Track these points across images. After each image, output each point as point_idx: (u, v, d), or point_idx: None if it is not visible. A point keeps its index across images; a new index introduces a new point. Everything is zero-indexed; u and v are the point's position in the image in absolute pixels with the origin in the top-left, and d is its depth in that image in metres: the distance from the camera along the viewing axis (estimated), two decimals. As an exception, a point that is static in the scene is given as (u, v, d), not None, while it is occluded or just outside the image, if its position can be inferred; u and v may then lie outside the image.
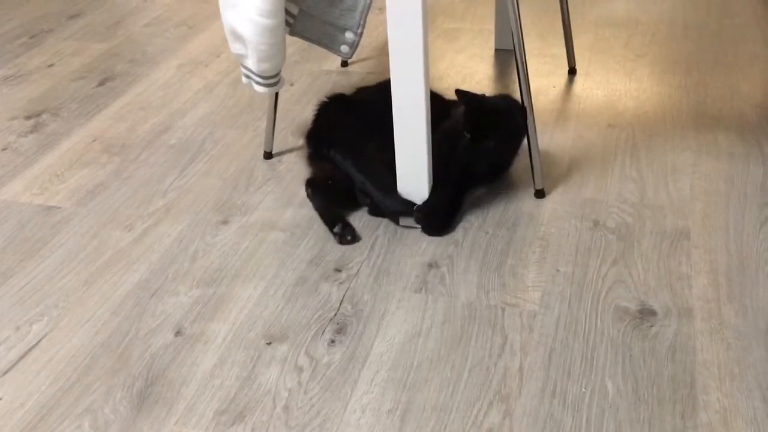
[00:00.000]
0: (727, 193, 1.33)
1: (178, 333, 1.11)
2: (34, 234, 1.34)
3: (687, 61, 1.78)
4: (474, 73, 1.78)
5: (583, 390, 0.98)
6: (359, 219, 1.32)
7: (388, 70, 1.18)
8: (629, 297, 1.12)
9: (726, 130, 1.51)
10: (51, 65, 1.97)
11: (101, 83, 1.86)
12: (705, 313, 1.09)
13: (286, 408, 0.98)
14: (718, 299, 1.11)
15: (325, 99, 1.44)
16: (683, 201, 1.31)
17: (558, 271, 1.18)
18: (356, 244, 1.26)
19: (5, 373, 1.06)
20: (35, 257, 1.28)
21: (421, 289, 1.16)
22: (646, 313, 1.09)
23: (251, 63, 1.33)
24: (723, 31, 1.90)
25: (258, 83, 1.37)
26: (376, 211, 1.32)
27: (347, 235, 1.25)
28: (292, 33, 1.37)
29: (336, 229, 1.26)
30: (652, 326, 1.07)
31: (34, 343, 1.11)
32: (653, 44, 1.87)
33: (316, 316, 1.13)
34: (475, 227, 1.29)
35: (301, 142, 1.54)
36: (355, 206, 1.34)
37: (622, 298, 1.12)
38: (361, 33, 1.33)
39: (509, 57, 1.85)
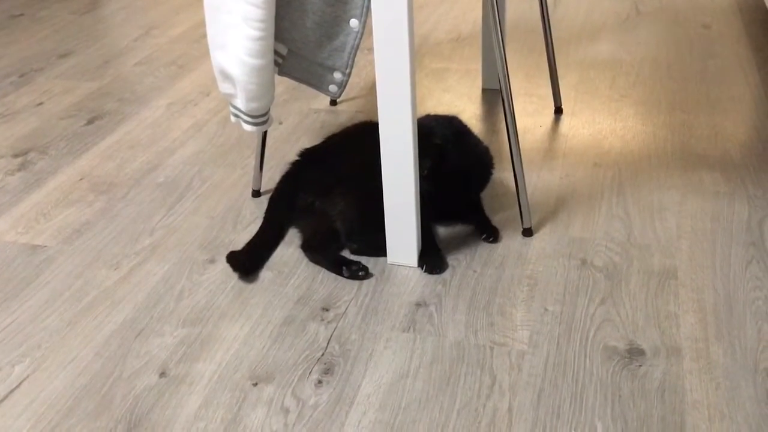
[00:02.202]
0: (713, 231, 1.34)
1: (162, 374, 1.09)
2: (18, 273, 1.33)
3: (671, 101, 1.80)
4: (461, 112, 1.79)
5: (573, 431, 0.97)
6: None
7: (376, 109, 1.19)
8: (618, 336, 1.12)
9: (711, 169, 1.52)
10: (40, 104, 1.97)
11: (90, 122, 1.87)
12: (693, 352, 1.08)
13: (271, 451, 0.97)
14: (707, 338, 1.11)
15: (297, 157, 1.44)
16: (670, 240, 1.32)
17: (546, 310, 1.18)
18: (344, 283, 1.25)
19: (-15, 416, 1.04)
20: (19, 297, 1.27)
21: (409, 328, 1.16)
22: (634, 353, 1.09)
23: (240, 102, 1.34)
24: (706, 72, 1.94)
25: (246, 122, 1.37)
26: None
27: (359, 272, 1.25)
28: (281, 73, 1.38)
29: (345, 274, 1.26)
30: (641, 366, 1.07)
31: (16, 385, 1.09)
32: (637, 84, 1.90)
33: (303, 356, 1.11)
34: (463, 266, 1.28)
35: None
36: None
37: (611, 338, 1.12)
38: (350, 73, 1.34)
39: (496, 96, 1.87)
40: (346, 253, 1.32)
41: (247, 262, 1.30)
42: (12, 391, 1.08)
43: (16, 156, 1.73)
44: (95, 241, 1.40)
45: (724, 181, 1.48)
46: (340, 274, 1.26)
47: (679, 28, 2.22)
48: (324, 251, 1.30)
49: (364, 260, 1.30)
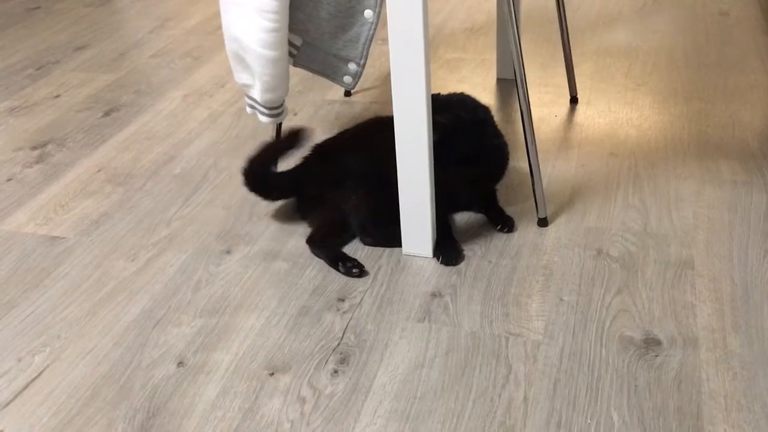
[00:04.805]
0: (730, 221, 1.33)
1: (180, 364, 1.11)
2: (37, 264, 1.34)
3: (687, 90, 1.79)
4: (476, 102, 1.79)
5: (589, 421, 0.97)
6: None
7: (390, 100, 1.19)
8: (634, 326, 1.12)
9: (728, 158, 1.51)
10: (57, 96, 1.99)
11: (107, 114, 1.88)
12: (710, 342, 1.08)
13: (288, 440, 0.98)
14: (724, 328, 1.10)
15: (308, 152, 1.45)
16: (687, 230, 1.31)
17: (562, 300, 1.18)
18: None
19: (6, 405, 1.06)
20: (39, 287, 1.28)
21: (425, 318, 1.16)
22: (651, 343, 1.09)
23: (256, 93, 1.34)
24: (723, 60, 1.92)
25: (262, 113, 1.38)
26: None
27: (353, 269, 1.25)
28: (296, 64, 1.38)
29: (341, 270, 1.26)
30: (657, 356, 1.06)
31: (36, 374, 1.11)
32: (654, 73, 1.88)
33: (319, 346, 1.12)
34: (479, 256, 1.28)
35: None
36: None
37: (627, 328, 1.11)
38: (364, 64, 1.34)
39: (511, 86, 1.87)
40: (349, 248, 1.33)
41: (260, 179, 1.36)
42: (33, 380, 1.10)
43: (34, 148, 1.74)
44: (113, 233, 1.42)
45: (742, 170, 1.47)
46: (336, 269, 1.26)
47: (696, 16, 2.20)
48: (325, 246, 1.31)
49: (378, 251, 1.31)
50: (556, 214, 1.38)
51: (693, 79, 1.84)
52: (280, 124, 1.49)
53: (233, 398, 1.04)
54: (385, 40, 2.16)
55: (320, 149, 1.44)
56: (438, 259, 1.27)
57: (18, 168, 1.67)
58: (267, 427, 0.99)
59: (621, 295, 1.18)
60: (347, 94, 1.89)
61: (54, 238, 1.41)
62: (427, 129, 1.19)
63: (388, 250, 1.31)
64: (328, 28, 1.31)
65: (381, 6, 1.27)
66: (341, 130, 1.54)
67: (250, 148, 1.68)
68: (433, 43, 2.14)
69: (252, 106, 1.40)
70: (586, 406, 0.99)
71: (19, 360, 1.13)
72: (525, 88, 1.30)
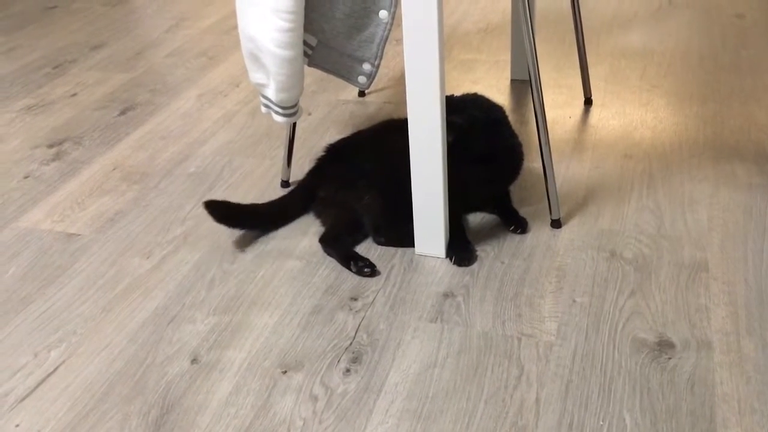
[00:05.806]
0: (745, 224, 1.32)
1: (194, 360, 1.11)
2: (53, 261, 1.36)
3: (703, 92, 1.78)
4: (490, 103, 1.79)
5: (601, 423, 0.97)
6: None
7: (404, 100, 1.19)
8: (647, 329, 1.11)
9: (744, 160, 1.50)
10: (74, 95, 2.01)
11: (123, 112, 1.90)
12: (724, 345, 1.07)
13: (300, 438, 0.98)
14: (738, 332, 1.10)
15: (323, 152, 1.45)
16: (701, 232, 1.31)
17: (574, 301, 1.17)
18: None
19: (23, 399, 1.07)
20: (55, 284, 1.30)
21: (437, 318, 1.16)
22: (664, 345, 1.08)
23: (270, 92, 1.35)
24: (738, 62, 1.91)
25: (277, 113, 1.39)
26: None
27: (364, 269, 1.25)
28: (311, 64, 1.39)
29: (353, 269, 1.26)
30: (670, 358, 1.06)
31: (52, 369, 1.12)
32: (669, 75, 1.87)
33: (331, 345, 1.13)
34: (491, 257, 1.28)
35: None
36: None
37: (640, 330, 1.11)
38: (379, 64, 1.34)
39: (525, 87, 1.86)
40: (362, 248, 1.33)
41: (227, 212, 1.35)
42: (49, 375, 1.11)
43: (51, 146, 1.76)
44: (128, 230, 1.43)
45: (758, 172, 1.46)
46: (348, 268, 1.27)
47: (712, 18, 2.18)
48: (337, 245, 1.31)
49: (391, 251, 1.31)
50: (570, 216, 1.38)
51: (708, 81, 1.83)
52: (294, 124, 1.49)
53: (246, 396, 1.05)
54: (399, 41, 2.16)
55: (334, 149, 1.44)
56: (451, 260, 1.27)
57: (35, 165, 1.68)
58: (279, 424, 1.00)
59: (634, 298, 1.17)
60: (361, 94, 1.90)
61: (70, 235, 1.43)
62: (441, 129, 1.20)
63: (400, 250, 1.31)
64: (343, 28, 1.32)
65: (396, 6, 1.28)
66: (355, 130, 1.55)
67: (264, 147, 1.69)
68: (447, 44, 2.14)
69: (267, 106, 1.41)
70: (599, 408, 0.99)
71: (36, 355, 1.15)
72: (539, 89, 1.30)
